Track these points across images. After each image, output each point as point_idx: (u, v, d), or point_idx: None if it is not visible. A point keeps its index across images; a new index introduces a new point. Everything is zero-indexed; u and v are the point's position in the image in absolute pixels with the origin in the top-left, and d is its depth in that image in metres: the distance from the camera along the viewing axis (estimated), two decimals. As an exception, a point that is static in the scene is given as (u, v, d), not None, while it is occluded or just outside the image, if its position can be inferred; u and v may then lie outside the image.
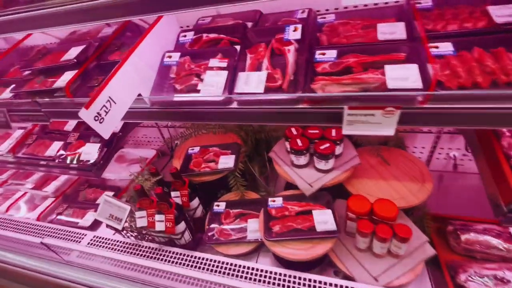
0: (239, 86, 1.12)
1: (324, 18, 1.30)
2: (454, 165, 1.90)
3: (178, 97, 1.16)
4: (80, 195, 2.41)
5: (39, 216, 2.17)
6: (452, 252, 1.50)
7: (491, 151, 1.17)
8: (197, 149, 1.97)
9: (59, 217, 2.22)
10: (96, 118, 0.97)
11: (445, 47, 0.99)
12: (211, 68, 1.21)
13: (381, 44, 1.10)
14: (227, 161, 1.79)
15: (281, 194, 1.67)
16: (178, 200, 1.70)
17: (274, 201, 1.60)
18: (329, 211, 1.48)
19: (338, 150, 1.59)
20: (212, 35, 1.36)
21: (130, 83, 1.14)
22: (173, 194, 1.70)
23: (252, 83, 1.11)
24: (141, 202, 1.57)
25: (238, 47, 1.27)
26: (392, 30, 1.11)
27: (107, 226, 1.61)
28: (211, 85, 1.16)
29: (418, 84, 0.90)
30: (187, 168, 1.84)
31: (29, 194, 2.44)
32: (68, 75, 1.43)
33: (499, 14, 1.02)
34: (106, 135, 1.02)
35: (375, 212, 1.37)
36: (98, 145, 1.83)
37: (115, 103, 1.06)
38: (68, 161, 1.82)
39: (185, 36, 1.42)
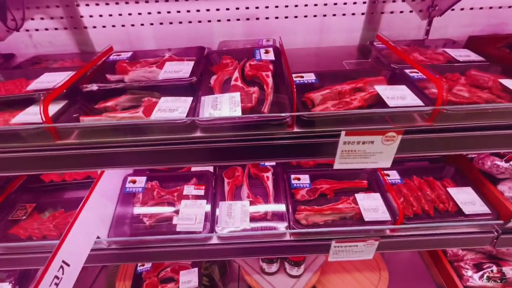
0: (222, 219, 1.06)
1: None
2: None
3: (153, 237, 1.01)
4: None
5: None
6: None
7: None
8: (148, 265, 1.67)
9: None
10: (45, 300, 0.72)
11: (394, 175, 1.22)
12: (187, 197, 1.13)
13: (342, 170, 1.27)
14: (189, 279, 1.56)
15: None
16: None
17: (250, 323, 1.44)
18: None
19: (307, 253, 1.62)
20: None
21: (86, 233, 0.93)
22: None
23: (235, 215, 1.07)
24: None
25: (211, 170, 1.25)
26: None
27: None
28: (189, 218, 1.06)
29: (387, 216, 1.05)
30: (139, 295, 1.51)
31: None
32: (-22, 209, 1.07)
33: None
34: (56, 319, 0.76)
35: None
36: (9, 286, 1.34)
37: (69, 265, 0.83)
38: None
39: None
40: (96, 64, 1.02)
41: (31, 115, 0.82)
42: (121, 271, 1.71)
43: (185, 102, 0.84)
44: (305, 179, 1.20)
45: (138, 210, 1.11)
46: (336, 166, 0.83)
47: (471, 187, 1.14)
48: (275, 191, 1.17)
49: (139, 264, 1.67)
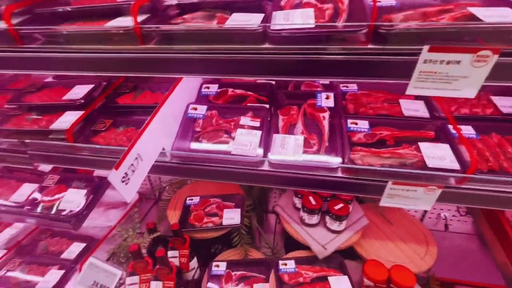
0: (275, 149, 1.08)
1: (347, 87, 1.38)
2: (445, 225, 2.01)
3: (210, 155, 1.08)
4: (39, 246, 2.00)
5: (-18, 276, 1.73)
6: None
7: (498, 224, 1.26)
8: (196, 199, 1.81)
9: (10, 273, 1.79)
10: (123, 179, 0.84)
11: (468, 130, 1.09)
12: (242, 126, 1.17)
13: (407, 120, 1.18)
14: (232, 216, 1.66)
15: (291, 256, 1.57)
16: (176, 261, 1.49)
17: (285, 264, 1.49)
18: (346, 278, 1.41)
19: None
20: (238, 91, 1.35)
21: (157, 137, 1.03)
22: (170, 253, 1.49)
23: (289, 146, 1.08)
24: (135, 265, 1.33)
25: (267, 106, 1.27)
26: (415, 108, 1.21)
27: (86, 296, 1.32)
28: (244, 144, 1.11)
29: (455, 165, 0.96)
30: (186, 223, 1.66)
31: (-29, 245, 1.96)
32: (70, 116, 1.27)
33: (503, 104, 1.18)
34: (129, 198, 0.88)
35: (394, 280, 1.33)
36: (84, 191, 1.59)
37: (142, 160, 0.94)
38: (40, 210, 1.53)
39: (208, 88, 1.38)
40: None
41: (121, 22, 0.92)
42: (171, 203, 1.89)
43: (256, 17, 0.85)
44: (363, 124, 1.15)
45: (198, 132, 1.19)
46: (410, 91, 0.77)
47: None
48: (331, 131, 1.14)
49: (188, 198, 1.83)
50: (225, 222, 1.63)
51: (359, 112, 1.24)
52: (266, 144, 1.12)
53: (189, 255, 1.50)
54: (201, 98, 1.36)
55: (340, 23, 0.76)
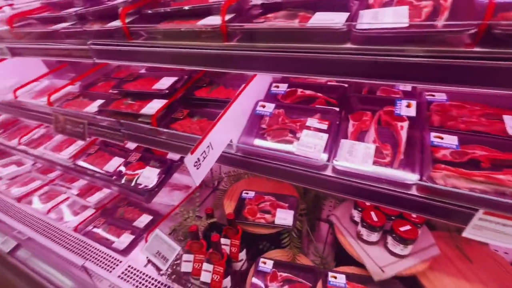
0: (342, 155, 1.03)
1: (433, 95, 1.22)
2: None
3: (273, 152, 1.09)
4: (118, 211, 2.36)
5: (76, 226, 2.13)
6: None
7: None
8: (251, 194, 1.86)
9: (95, 229, 2.16)
10: (195, 164, 0.91)
11: None
12: (308, 128, 1.15)
13: (508, 140, 0.98)
14: (285, 217, 1.65)
15: (341, 270, 1.48)
16: (226, 249, 1.57)
17: (335, 277, 1.41)
18: (405, 309, 1.26)
19: (418, 235, 1.40)
20: (308, 92, 1.33)
21: (227, 130, 1.10)
22: (222, 241, 1.58)
23: (357, 154, 1.01)
24: (192, 245, 1.45)
25: (337, 109, 1.21)
26: (525, 127, 0.99)
27: (150, 262, 1.50)
28: (309, 146, 1.09)
29: None
30: (240, 214, 1.72)
31: (72, 200, 2.44)
32: (156, 104, 1.45)
33: None
34: (198, 181, 0.96)
35: (467, 328, 1.13)
36: (158, 170, 1.80)
37: (213, 149, 1.01)
38: (123, 181, 1.80)
39: (277, 87, 1.40)
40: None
41: (210, 21, 1.01)
42: (228, 193, 1.99)
43: (340, 16, 0.82)
44: (451, 140, 1.00)
45: (263, 129, 1.22)
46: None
47: None
48: (408, 143, 1.03)
49: (243, 191, 1.90)
50: (278, 221, 1.63)
51: (446, 125, 1.09)
52: (331, 148, 1.08)
53: (239, 246, 1.55)
54: (270, 97, 1.39)
55: (440, 22, 0.67)
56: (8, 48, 1.58)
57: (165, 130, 1.35)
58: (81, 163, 2.04)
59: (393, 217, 1.45)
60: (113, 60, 1.23)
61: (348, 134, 1.10)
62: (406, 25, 0.70)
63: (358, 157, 1.01)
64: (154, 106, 1.44)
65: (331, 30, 0.77)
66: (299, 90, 1.34)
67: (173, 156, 2.00)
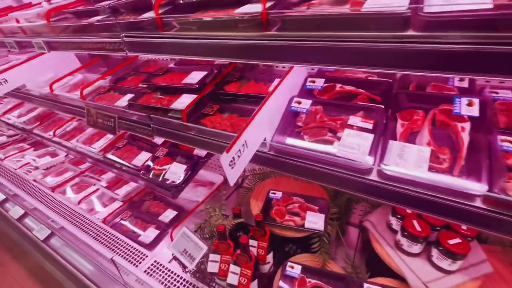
0: (391, 158, 0.92)
1: (497, 93, 1.06)
2: None
3: (312, 152, 1.01)
4: (144, 205, 2.39)
5: (105, 218, 2.18)
6: None
7: None
8: (279, 194, 1.79)
9: (122, 221, 2.20)
10: (231, 163, 0.85)
11: None
12: (351, 127, 1.05)
13: None
14: (315, 220, 1.56)
15: (380, 283, 1.36)
16: (253, 251, 1.51)
17: (371, 290, 1.30)
18: (452, 332, 1.13)
19: (470, 250, 1.25)
20: (348, 87, 1.22)
21: (261, 127, 1.03)
22: (249, 242, 1.52)
23: (409, 158, 0.90)
24: (218, 245, 1.41)
25: (382, 107, 1.10)
26: None
27: (175, 259, 1.48)
28: (351, 147, 0.98)
29: None
30: (267, 216, 1.66)
31: (101, 191, 2.51)
32: (186, 99, 1.41)
33: None
34: (233, 182, 0.90)
35: None
36: (185, 166, 1.78)
37: (247, 147, 0.94)
38: (151, 175, 1.79)
39: (313, 82, 1.30)
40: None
41: (247, 9, 0.93)
42: (255, 192, 1.92)
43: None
44: (524, 144, 0.85)
45: (299, 127, 1.13)
46: None
47: None
48: (470, 147, 0.89)
49: (271, 191, 1.82)
50: (308, 225, 1.54)
51: (516, 127, 0.94)
52: (377, 150, 0.97)
53: (267, 248, 1.49)
54: (305, 92, 1.30)
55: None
56: (45, 43, 1.62)
57: (195, 125, 1.30)
58: (110, 156, 2.07)
59: (437, 227, 1.31)
60: (145, 53, 1.20)
61: (397, 135, 0.99)
62: (490, 6, 0.58)
63: (410, 161, 0.89)
64: (184, 101, 1.40)
65: (392, 15, 0.66)
66: (338, 85, 1.23)
67: (199, 152, 1.97)
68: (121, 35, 1.23)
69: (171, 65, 1.93)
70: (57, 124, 2.74)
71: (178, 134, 1.40)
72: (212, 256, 1.42)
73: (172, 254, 1.48)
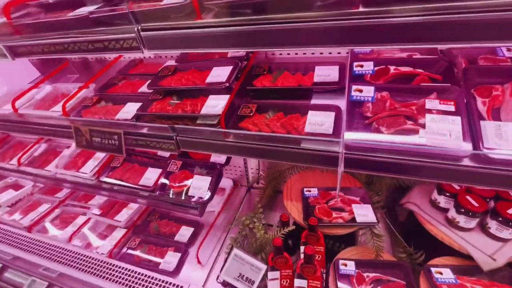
0: (491, 140, 0.85)
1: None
2: None
3: (398, 145, 0.90)
4: (151, 226, 2.09)
5: (111, 251, 1.85)
6: None
7: None
8: (314, 191, 1.68)
9: (132, 251, 1.89)
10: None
11: None
12: (430, 111, 0.96)
13: None
14: (364, 213, 1.49)
15: (443, 263, 1.35)
16: (307, 257, 1.38)
17: (441, 273, 1.28)
18: (529, 299, 1.16)
19: (525, 215, 1.29)
20: (404, 69, 1.13)
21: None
22: (302, 249, 1.39)
23: (509, 137, 0.84)
24: (277, 260, 1.26)
25: (456, 86, 1.03)
26: None
27: (227, 286, 1.29)
28: (442, 133, 0.90)
29: None
30: (311, 216, 1.54)
31: (93, 221, 2.13)
32: (216, 100, 1.19)
33: None
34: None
35: None
36: (209, 179, 1.56)
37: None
38: (171, 195, 1.54)
39: (361, 66, 1.19)
40: None
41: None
42: (285, 192, 1.77)
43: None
44: None
45: (368, 118, 1.01)
46: None
47: None
48: None
49: (304, 189, 1.70)
50: (359, 219, 1.46)
51: None
52: (469, 133, 0.90)
53: (324, 253, 1.38)
54: (354, 79, 1.17)
55: None
56: (7, 48, 1.22)
57: (239, 131, 1.11)
58: (107, 179, 1.73)
59: (488, 199, 1.34)
60: (173, 49, 0.95)
61: (484, 114, 0.93)
62: None
63: (510, 140, 0.84)
64: (214, 104, 1.18)
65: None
66: (392, 67, 1.13)
67: (217, 159, 1.74)
68: (135, 28, 0.96)
69: (169, 62, 1.64)
70: (18, 149, 2.23)
71: (213, 144, 1.18)
72: (271, 274, 1.27)
73: (223, 281, 1.28)
